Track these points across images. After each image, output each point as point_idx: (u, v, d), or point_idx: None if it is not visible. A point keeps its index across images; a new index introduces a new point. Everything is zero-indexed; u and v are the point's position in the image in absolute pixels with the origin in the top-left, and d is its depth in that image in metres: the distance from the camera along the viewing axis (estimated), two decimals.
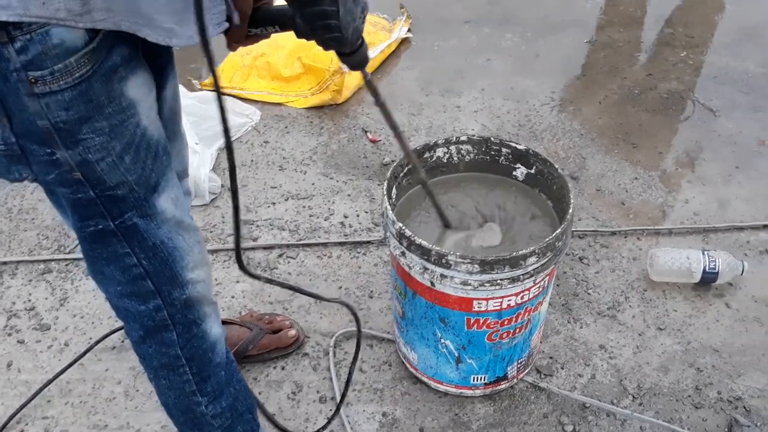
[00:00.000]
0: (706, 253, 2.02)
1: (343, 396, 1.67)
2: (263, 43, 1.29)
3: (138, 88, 1.06)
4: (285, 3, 1.09)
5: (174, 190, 1.20)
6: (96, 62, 0.98)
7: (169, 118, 1.36)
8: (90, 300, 2.05)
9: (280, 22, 1.17)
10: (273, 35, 1.23)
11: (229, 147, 1.02)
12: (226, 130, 1.00)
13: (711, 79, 2.96)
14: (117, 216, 1.14)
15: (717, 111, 2.77)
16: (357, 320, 1.52)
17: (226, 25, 1.05)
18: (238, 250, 1.16)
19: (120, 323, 1.90)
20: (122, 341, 1.93)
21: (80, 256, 2.12)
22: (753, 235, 2.22)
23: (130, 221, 1.15)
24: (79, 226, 1.16)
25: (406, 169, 1.66)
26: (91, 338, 1.94)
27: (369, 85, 1.32)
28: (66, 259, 2.17)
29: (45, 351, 1.93)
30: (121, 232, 1.16)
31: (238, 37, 1.20)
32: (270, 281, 1.27)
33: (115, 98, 1.03)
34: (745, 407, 1.77)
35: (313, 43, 1.16)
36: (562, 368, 1.86)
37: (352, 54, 1.18)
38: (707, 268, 1.99)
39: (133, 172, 1.10)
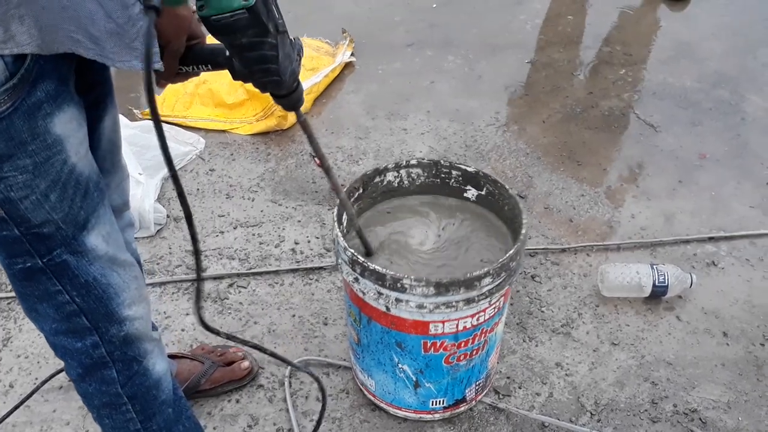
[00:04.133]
0: (655, 267, 2.04)
1: None
2: None
3: (66, 125, 1.02)
4: (218, 42, 1.08)
5: (106, 227, 1.16)
6: (17, 99, 0.94)
7: (108, 150, 1.32)
8: (34, 339, 1.98)
9: (212, 61, 1.16)
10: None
11: (182, 198, 0.99)
12: (173, 174, 0.97)
13: (650, 95, 3.03)
14: (45, 254, 1.10)
15: (657, 126, 2.83)
16: (323, 395, 1.51)
17: (158, 65, 1.03)
18: (199, 309, 1.11)
19: None
20: (69, 381, 1.86)
21: None
22: (699, 248, 2.26)
23: (59, 258, 1.11)
24: (7, 263, 1.13)
25: (357, 194, 1.65)
26: (36, 379, 1.88)
27: (303, 125, 1.32)
28: (7, 298, 2.10)
29: None
30: (51, 270, 1.12)
31: (167, 74, 1.18)
32: (231, 338, 1.23)
33: (39, 135, 0.99)
34: (701, 419, 1.79)
35: None
36: (520, 388, 1.86)
37: (288, 95, 1.19)
38: (657, 282, 2.02)
39: (59, 210, 1.06)
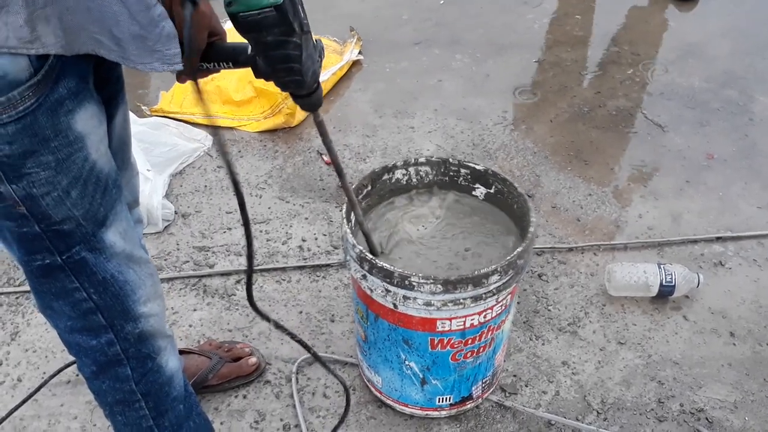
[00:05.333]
0: (662, 266, 2.04)
1: None
2: None
3: (87, 121, 1.03)
4: (243, 40, 1.09)
5: (122, 224, 1.17)
6: (41, 95, 0.95)
7: (119, 147, 1.33)
8: (42, 333, 1.99)
9: (233, 59, 1.17)
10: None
11: (234, 181, 1.00)
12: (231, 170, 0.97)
13: (658, 95, 3.02)
14: (64, 251, 1.11)
15: (665, 126, 2.83)
16: (347, 396, 1.54)
17: (179, 67, 1.04)
18: (249, 290, 1.12)
19: None
20: (77, 375, 1.87)
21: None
22: (706, 248, 2.26)
23: (77, 255, 1.12)
24: (26, 260, 1.13)
25: (365, 191, 1.65)
26: (44, 373, 1.89)
27: (320, 126, 1.32)
28: (16, 292, 2.11)
29: None
30: (69, 267, 1.13)
31: (188, 71, 1.19)
32: (278, 326, 1.24)
33: (62, 132, 1.00)
34: (707, 419, 1.79)
35: None
36: (527, 386, 1.86)
37: (308, 96, 1.19)
38: (664, 282, 2.02)
39: (80, 207, 1.07)
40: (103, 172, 1.10)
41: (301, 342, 1.31)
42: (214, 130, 0.96)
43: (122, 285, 1.19)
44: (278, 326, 1.23)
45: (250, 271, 1.11)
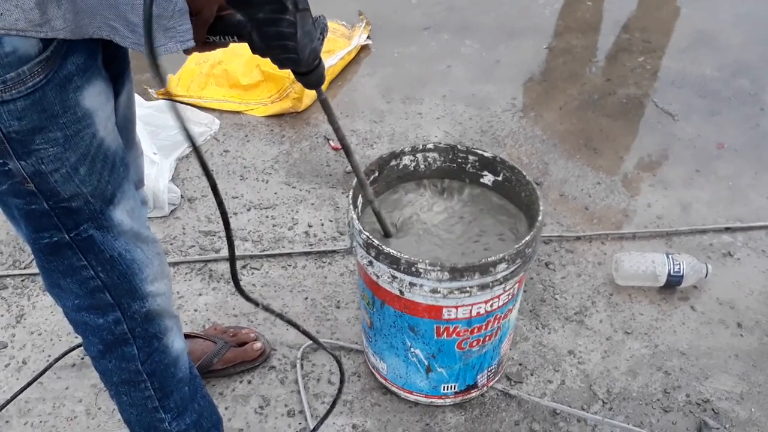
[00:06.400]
0: (670, 256, 2.03)
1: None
2: (220, 51, 1.27)
3: (95, 98, 1.03)
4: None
5: (130, 202, 1.17)
6: (50, 71, 0.95)
7: (123, 126, 1.33)
8: (48, 316, 1.99)
9: (238, 32, 1.16)
10: (231, 44, 1.21)
11: (205, 169, 0.98)
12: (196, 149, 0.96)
13: (669, 83, 3.00)
14: (72, 228, 1.11)
15: (676, 115, 2.80)
16: (342, 374, 1.52)
17: (192, 44, 1.03)
18: (234, 275, 1.11)
19: (80, 340, 1.87)
20: (82, 358, 1.88)
21: (36, 271, 2.07)
22: (715, 238, 2.24)
23: (85, 233, 1.12)
24: (34, 238, 1.13)
25: (373, 177, 1.64)
26: (49, 356, 1.89)
27: (324, 104, 1.31)
28: (22, 275, 2.11)
29: (2, 370, 1.87)
30: (77, 245, 1.13)
31: (195, 42, 1.18)
32: (267, 310, 1.23)
33: (70, 108, 1.00)
34: (713, 409, 1.78)
35: None
36: (532, 375, 1.86)
37: (308, 74, 1.17)
38: (672, 272, 2.01)
39: (88, 183, 1.07)
40: (111, 150, 1.10)
41: (292, 322, 1.29)
42: (172, 103, 0.94)
43: (129, 263, 1.19)
44: (267, 309, 1.22)
45: (232, 256, 1.09)
